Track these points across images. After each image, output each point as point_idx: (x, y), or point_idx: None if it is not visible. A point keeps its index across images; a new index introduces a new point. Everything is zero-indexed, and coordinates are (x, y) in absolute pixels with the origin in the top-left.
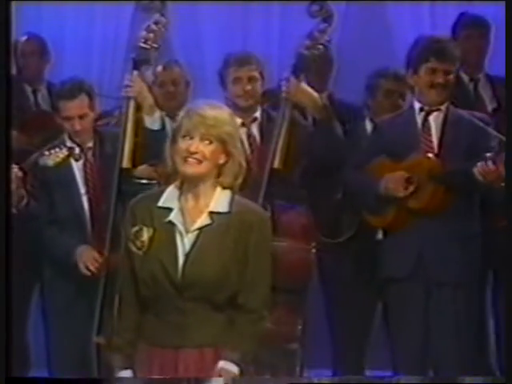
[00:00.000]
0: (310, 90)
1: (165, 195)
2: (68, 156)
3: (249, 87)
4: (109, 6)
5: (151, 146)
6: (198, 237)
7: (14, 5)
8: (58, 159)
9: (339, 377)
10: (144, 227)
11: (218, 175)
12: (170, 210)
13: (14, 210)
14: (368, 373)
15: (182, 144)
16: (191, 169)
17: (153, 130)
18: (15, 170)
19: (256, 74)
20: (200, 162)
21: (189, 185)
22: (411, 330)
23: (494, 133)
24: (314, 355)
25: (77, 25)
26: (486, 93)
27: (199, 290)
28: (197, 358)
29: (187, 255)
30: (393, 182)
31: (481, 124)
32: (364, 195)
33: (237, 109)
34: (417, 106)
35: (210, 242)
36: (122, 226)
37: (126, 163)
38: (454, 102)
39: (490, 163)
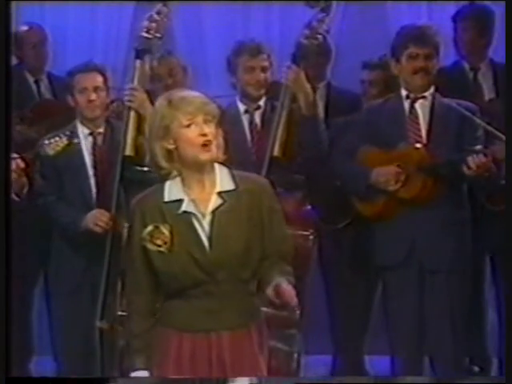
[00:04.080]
0: (306, 83)
1: (167, 189)
2: (68, 145)
3: (261, 77)
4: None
5: None
6: (214, 218)
7: (14, 3)
8: (57, 148)
9: (340, 367)
10: (160, 225)
11: None
12: (179, 201)
13: (15, 198)
14: (369, 368)
15: (189, 133)
16: (208, 155)
17: None
18: (17, 160)
19: (267, 63)
20: (212, 144)
21: (191, 174)
22: (406, 316)
23: (478, 121)
24: (314, 341)
25: (79, 19)
26: (486, 82)
27: (227, 268)
28: (230, 340)
29: (209, 237)
30: (384, 175)
31: (467, 113)
32: (354, 183)
33: (245, 96)
34: (403, 93)
35: (227, 220)
36: (118, 213)
37: (128, 151)
38: (452, 90)
39: (481, 156)
